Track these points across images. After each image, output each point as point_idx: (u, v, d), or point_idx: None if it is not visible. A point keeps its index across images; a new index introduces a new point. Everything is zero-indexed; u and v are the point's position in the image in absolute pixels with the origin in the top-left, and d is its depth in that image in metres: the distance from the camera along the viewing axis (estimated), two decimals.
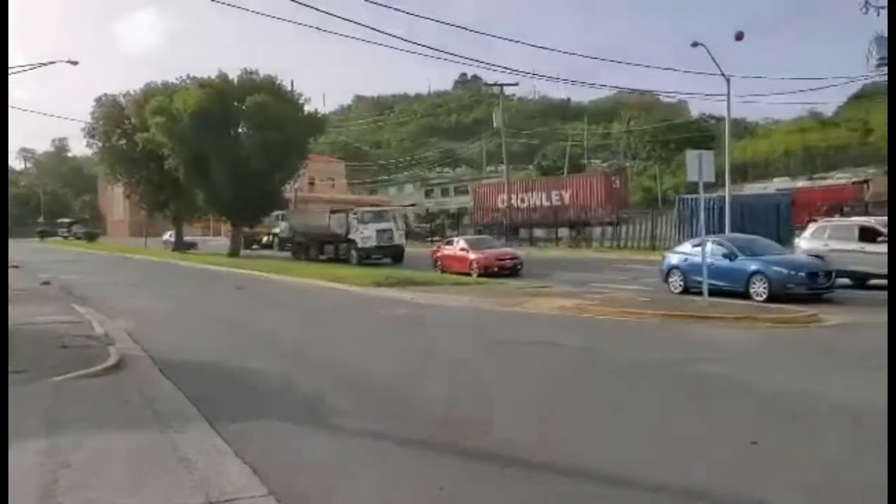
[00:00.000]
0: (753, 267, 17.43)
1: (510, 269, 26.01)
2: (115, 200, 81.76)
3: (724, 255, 18.08)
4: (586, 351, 11.84)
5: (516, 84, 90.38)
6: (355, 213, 35.68)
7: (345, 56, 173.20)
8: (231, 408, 8.01)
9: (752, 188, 46.40)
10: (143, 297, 22.00)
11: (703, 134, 63.41)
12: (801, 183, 46.08)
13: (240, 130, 41.67)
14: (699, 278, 17.24)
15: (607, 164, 67.59)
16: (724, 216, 29.79)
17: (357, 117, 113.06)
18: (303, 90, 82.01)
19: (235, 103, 40.32)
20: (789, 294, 16.58)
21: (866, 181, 44.05)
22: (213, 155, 38.74)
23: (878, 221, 20.20)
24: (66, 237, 77.56)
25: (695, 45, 31.37)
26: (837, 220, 23.29)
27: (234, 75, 41.93)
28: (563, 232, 45.81)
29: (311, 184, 62.95)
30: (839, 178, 46.05)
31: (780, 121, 71.12)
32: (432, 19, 57.41)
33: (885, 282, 17.57)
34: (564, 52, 68.76)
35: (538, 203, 49.84)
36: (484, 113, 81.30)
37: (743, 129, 69.39)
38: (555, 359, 11.18)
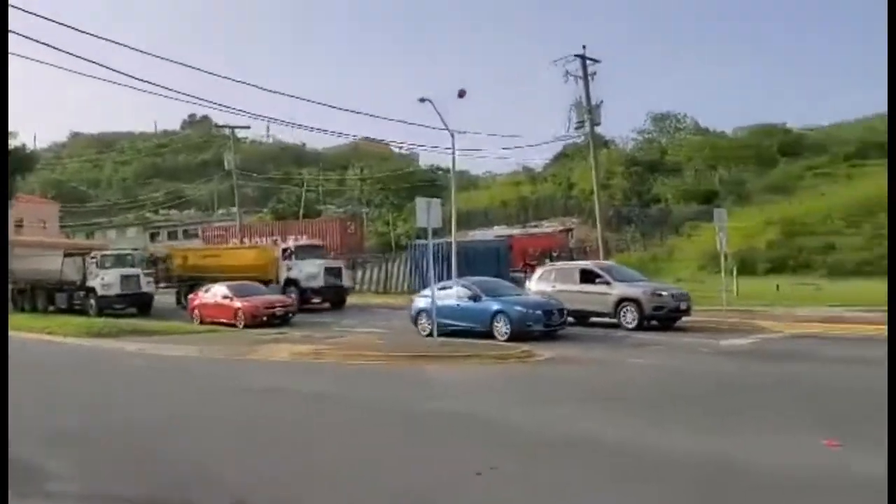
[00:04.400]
0: (496, 307, 18.31)
1: (281, 318, 24.35)
2: None
3: (470, 297, 18.91)
4: (319, 397, 11.76)
5: (248, 127, 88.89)
6: (94, 257, 31.41)
7: (58, 89, 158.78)
8: None
9: (474, 235, 49.83)
10: None
11: (432, 183, 67.06)
12: (517, 231, 50.42)
13: None
14: (447, 320, 18.06)
15: (343, 210, 68.70)
16: (451, 260, 31.62)
17: (73, 155, 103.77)
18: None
19: None
20: (528, 332, 17.67)
21: (570, 229, 49.42)
22: None
23: (596, 264, 22.68)
24: None
25: (422, 100, 33.22)
26: (562, 264, 25.35)
27: None
28: None
29: (19, 226, 56.37)
30: (547, 227, 51.06)
31: (499, 174, 77.52)
32: (160, 57, 54.85)
33: (603, 319, 20.23)
34: (298, 98, 69.58)
35: None
36: (215, 154, 78.79)
37: (467, 181, 74.44)
38: (284, 406, 10.99)
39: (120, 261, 31.96)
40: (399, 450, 8.20)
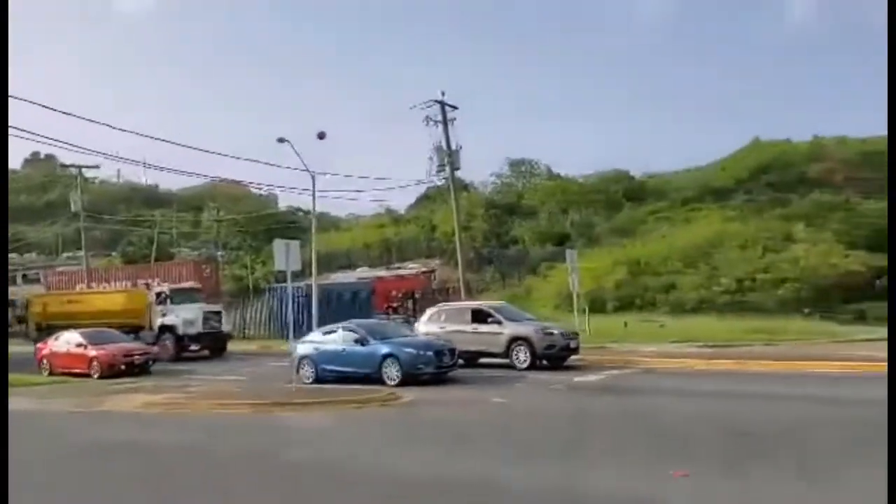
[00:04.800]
0: (385, 350, 17.55)
1: (140, 367, 23.11)
2: None
3: (356, 341, 18.06)
4: (169, 450, 11.22)
5: (97, 167, 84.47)
6: None
7: None
8: None
9: (336, 277, 49.45)
10: None
11: (291, 225, 66.14)
12: (380, 273, 50.48)
13: None
14: (332, 366, 17.71)
15: (198, 253, 66.31)
16: (312, 304, 31.26)
17: None
18: None
19: None
20: (419, 374, 17.20)
21: (433, 271, 50.05)
22: None
23: (487, 305, 22.67)
24: None
25: (281, 140, 33.03)
26: (452, 305, 24.81)
27: None
28: None
29: None
30: (410, 269, 51.49)
31: (363, 216, 77.50)
32: None
33: (492, 360, 20.18)
34: (150, 137, 66.37)
35: None
36: (60, 194, 74.22)
37: (329, 223, 73.93)
38: (129, 461, 10.39)
39: None
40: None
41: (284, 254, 17.20)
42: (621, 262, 40.26)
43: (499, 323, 20.34)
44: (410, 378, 17.06)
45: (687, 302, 36.33)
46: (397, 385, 16.82)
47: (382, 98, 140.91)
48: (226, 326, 30.31)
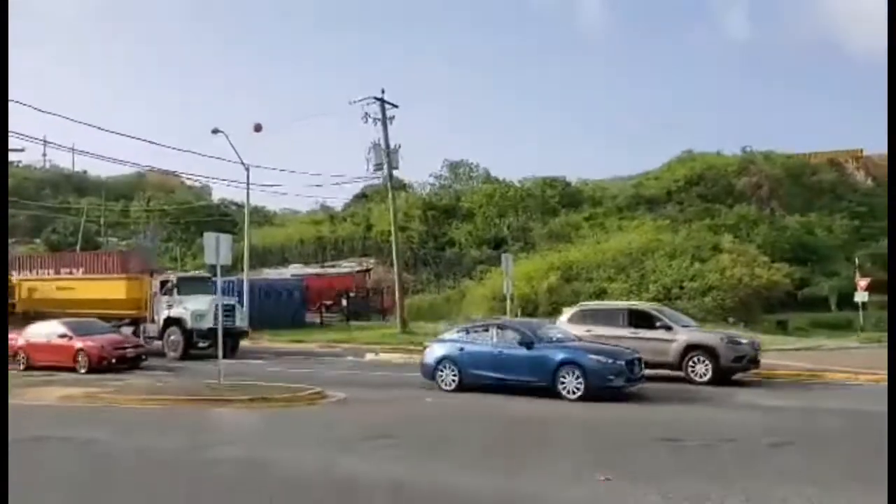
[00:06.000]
0: (562, 356, 14.70)
1: (131, 361, 21.31)
2: None
3: (521, 343, 15.26)
4: (89, 444, 10.85)
5: (22, 150, 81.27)
6: None
7: None
8: None
9: (269, 273, 48.81)
10: None
11: (225, 218, 64.96)
12: (314, 270, 50.02)
13: None
14: (483, 372, 15.40)
15: (126, 243, 64.48)
16: (243, 297, 30.76)
17: None
18: None
19: None
20: (608, 388, 14.34)
21: (368, 270, 49.86)
22: None
23: (648, 306, 20.02)
24: None
25: (215, 131, 32.59)
26: (599, 304, 22.02)
27: None
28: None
29: None
30: (346, 267, 51.19)
31: (298, 212, 76.61)
32: None
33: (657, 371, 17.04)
34: (77, 121, 64.00)
35: None
36: None
37: (263, 217, 72.84)
38: (54, 456, 10.08)
39: None
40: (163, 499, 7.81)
41: (215, 247, 16.76)
42: (555, 266, 40.76)
43: (668, 328, 17.64)
44: (597, 392, 14.22)
45: None
46: (578, 399, 14.16)
47: (321, 92, 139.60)
48: (240, 322, 27.00)
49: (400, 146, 34.27)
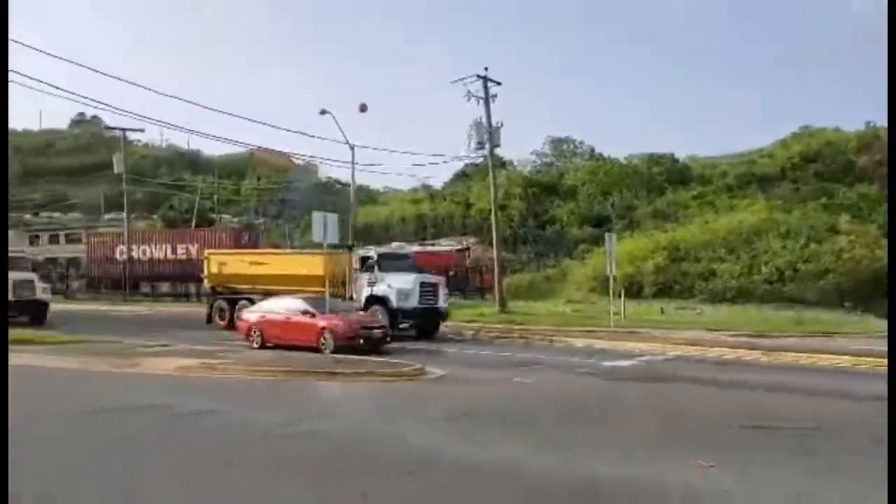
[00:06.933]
0: None
1: (377, 342, 19.20)
2: None
3: None
4: (203, 414, 11.18)
5: (142, 130, 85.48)
6: None
7: None
8: None
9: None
10: None
11: (331, 197, 66.52)
12: (414, 248, 50.62)
13: None
14: None
15: (238, 220, 67.05)
16: None
17: None
18: None
19: None
20: None
21: (467, 248, 50.00)
22: None
23: None
24: None
25: (323, 112, 33.31)
26: None
27: None
28: (192, 287, 44.39)
29: None
30: (445, 245, 51.52)
31: (400, 190, 77.64)
32: (47, 53, 52.30)
33: None
34: (193, 103, 67.48)
35: (163, 256, 47.67)
36: (104, 156, 75.53)
37: (366, 195, 74.18)
38: (159, 425, 10.34)
39: (14, 265, 28.26)
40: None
41: (322, 225, 17.32)
42: (661, 246, 39.79)
43: None
44: None
45: (726, 290, 35.83)
46: None
47: (423, 71, 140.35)
48: (443, 302, 25.30)
49: (502, 124, 34.07)
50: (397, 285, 23.56)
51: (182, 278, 46.06)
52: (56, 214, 74.94)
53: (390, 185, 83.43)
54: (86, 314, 33.76)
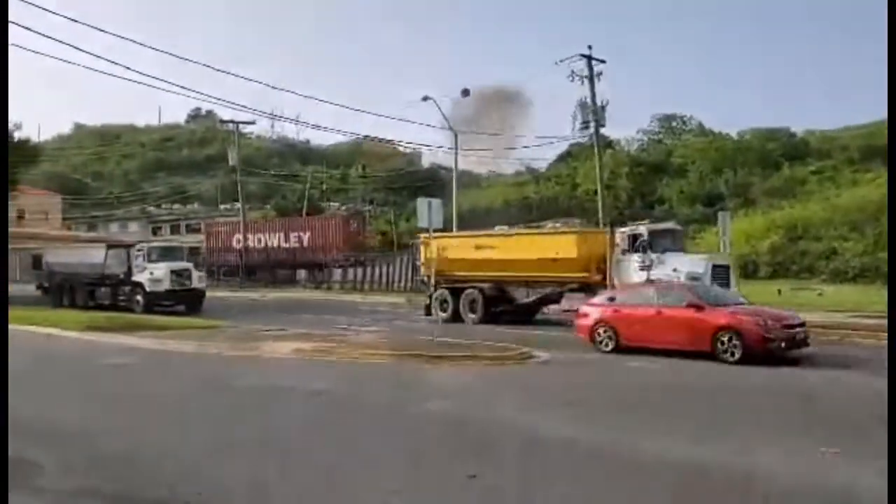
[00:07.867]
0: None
1: (800, 343, 14.54)
2: None
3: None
4: (322, 395, 11.67)
5: (253, 122, 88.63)
6: (140, 249, 28.94)
7: (62, 81, 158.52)
8: None
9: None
10: None
11: (434, 182, 67.01)
12: (517, 231, 50.27)
13: None
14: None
15: (345, 208, 68.66)
16: None
17: (76, 147, 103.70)
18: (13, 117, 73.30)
19: None
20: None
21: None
22: None
23: None
24: None
25: (425, 99, 33.61)
26: None
27: None
28: (302, 274, 46.02)
29: (21, 218, 56.49)
30: (550, 227, 50.91)
31: (504, 174, 77.33)
32: (163, 51, 55.39)
33: None
34: (302, 95, 69.61)
35: (276, 244, 49.42)
36: (219, 149, 78.80)
37: (470, 180, 74.27)
38: (288, 404, 10.94)
39: (169, 254, 29.59)
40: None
41: (427, 211, 17.53)
42: (778, 225, 38.08)
43: None
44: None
45: (849, 270, 33.93)
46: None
47: (525, 53, 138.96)
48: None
49: (608, 102, 33.38)
50: (687, 268, 19.11)
51: (293, 265, 47.72)
52: (176, 206, 78.95)
53: (494, 170, 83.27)
54: (218, 301, 32.36)
